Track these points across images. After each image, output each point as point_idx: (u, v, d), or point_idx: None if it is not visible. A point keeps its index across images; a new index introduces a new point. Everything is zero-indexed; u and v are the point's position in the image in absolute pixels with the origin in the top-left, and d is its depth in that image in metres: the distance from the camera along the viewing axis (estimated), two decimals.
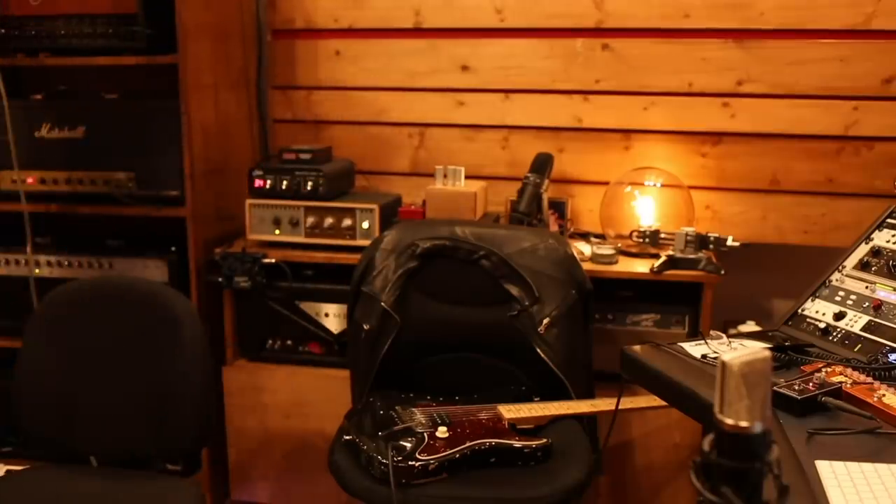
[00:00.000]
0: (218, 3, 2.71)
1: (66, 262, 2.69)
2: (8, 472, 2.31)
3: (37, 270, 2.70)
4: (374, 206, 2.55)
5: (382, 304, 2.26)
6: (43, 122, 2.65)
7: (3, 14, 2.58)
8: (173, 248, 2.63)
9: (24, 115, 2.63)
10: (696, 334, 2.37)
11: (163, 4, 2.49)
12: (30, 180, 2.65)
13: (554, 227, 2.63)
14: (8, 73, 2.57)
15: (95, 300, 2.22)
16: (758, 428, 0.78)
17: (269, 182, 2.60)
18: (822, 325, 1.81)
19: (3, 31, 2.59)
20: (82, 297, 2.23)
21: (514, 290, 2.25)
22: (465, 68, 2.87)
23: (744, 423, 0.78)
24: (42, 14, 2.58)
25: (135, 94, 2.71)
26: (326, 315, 2.60)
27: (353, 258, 2.43)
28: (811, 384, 1.48)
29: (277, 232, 2.61)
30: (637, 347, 1.81)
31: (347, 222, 2.56)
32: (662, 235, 2.55)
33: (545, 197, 2.57)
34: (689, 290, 2.46)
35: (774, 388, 1.46)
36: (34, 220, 2.64)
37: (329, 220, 2.57)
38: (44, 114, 2.65)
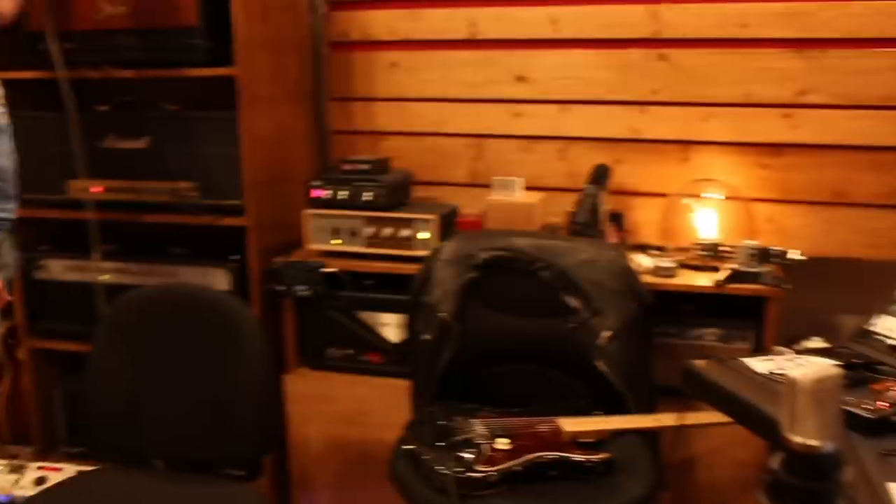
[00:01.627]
0: (275, 16, 2.75)
1: (131, 270, 2.74)
2: (79, 472, 2.37)
3: (103, 277, 2.75)
4: (433, 217, 2.57)
5: (442, 314, 2.27)
6: (108, 133, 2.71)
7: (69, 29, 2.65)
8: (235, 257, 2.67)
9: (91, 127, 2.70)
10: (760, 350, 2.34)
11: (222, 18, 2.53)
12: (96, 189, 2.71)
13: (612, 239, 2.62)
14: (74, 86, 2.64)
15: (160, 308, 2.27)
16: (828, 447, 0.77)
17: (328, 192, 2.63)
18: (891, 342, 1.78)
19: (69, 45, 2.65)
20: (148, 305, 2.28)
21: (574, 302, 2.25)
22: (521, 79, 2.87)
23: (814, 443, 0.77)
24: (106, 28, 2.64)
25: (196, 105, 2.75)
26: (386, 325, 2.62)
27: (412, 268, 2.45)
28: (883, 403, 1.46)
29: (336, 241, 2.63)
30: (700, 362, 1.80)
31: (406, 233, 2.58)
32: (723, 248, 2.52)
33: (603, 208, 2.56)
34: (753, 304, 2.43)
35: (844, 406, 1.44)
36: (100, 228, 2.70)
37: (388, 231, 2.59)
38: (109, 125, 2.72)
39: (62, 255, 2.83)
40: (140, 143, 2.69)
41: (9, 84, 2.73)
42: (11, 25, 2.54)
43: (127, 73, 2.69)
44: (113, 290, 2.70)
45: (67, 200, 2.75)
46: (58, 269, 2.83)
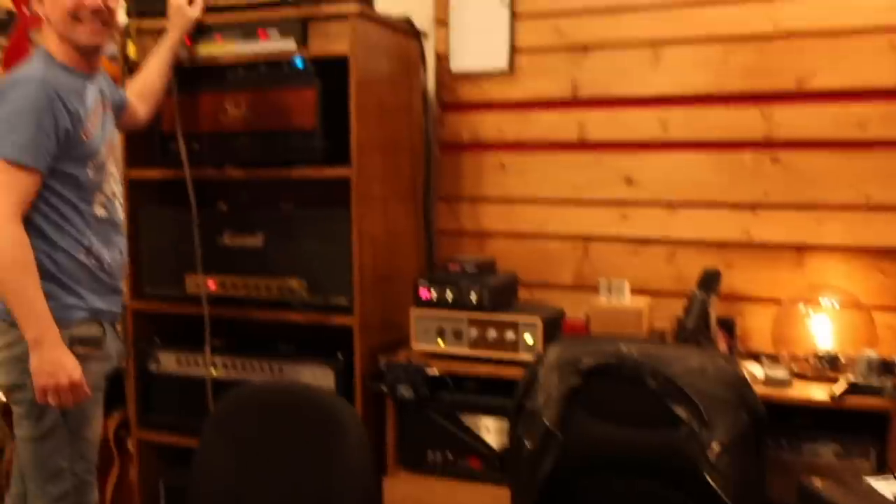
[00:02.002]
0: (390, 119, 2.84)
1: (239, 365, 2.81)
2: None
3: (213, 371, 2.82)
4: (538, 320, 2.55)
5: (545, 421, 2.23)
6: (225, 230, 2.81)
7: (195, 130, 2.79)
8: (340, 355, 2.70)
9: (209, 223, 2.81)
10: (884, 469, 2.20)
11: (339, 120, 2.62)
12: (211, 285, 2.80)
13: (722, 347, 2.55)
14: (197, 184, 2.77)
15: (265, 405, 2.30)
16: None
17: (434, 293, 2.65)
18: None
19: (195, 145, 2.79)
20: (253, 402, 2.32)
21: (682, 412, 2.18)
22: (628, 181, 2.87)
23: None
24: (229, 130, 2.77)
25: (309, 204, 2.84)
26: (488, 429, 2.59)
27: (516, 372, 2.42)
28: None
29: (441, 343, 2.64)
30: (817, 481, 1.71)
31: (510, 335, 2.57)
32: (841, 359, 2.41)
33: (713, 314, 2.50)
34: (874, 419, 2.30)
35: None
36: (212, 323, 2.79)
37: (492, 333, 2.59)
38: (226, 222, 2.82)
39: (175, 348, 2.91)
40: (255, 241, 2.78)
41: (138, 181, 2.91)
42: (146, 128, 2.72)
43: (246, 173, 2.81)
44: (222, 384, 2.76)
45: (183, 295, 2.86)
46: (170, 362, 2.91)
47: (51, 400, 2.14)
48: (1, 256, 2.08)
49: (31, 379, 2.17)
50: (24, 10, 3.42)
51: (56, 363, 2.12)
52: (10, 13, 3.69)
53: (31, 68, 2.20)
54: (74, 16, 2.22)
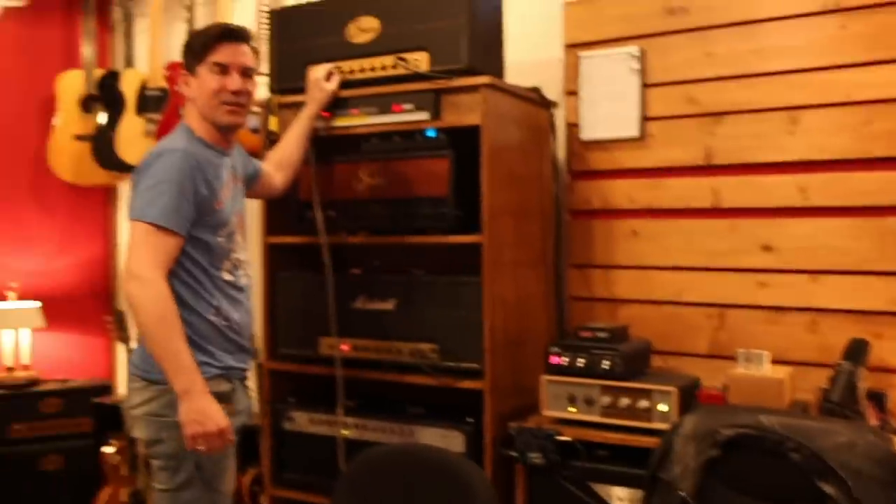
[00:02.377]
0: (520, 186, 2.86)
1: (371, 426, 2.84)
2: None
3: (344, 432, 2.86)
4: (673, 389, 2.49)
5: (681, 493, 2.16)
6: (359, 294, 2.88)
7: (331, 198, 2.89)
8: (470, 419, 2.70)
9: (344, 288, 2.89)
10: None
11: (470, 187, 2.67)
12: (344, 347, 2.87)
13: (873, 421, 2.41)
14: (332, 250, 2.85)
15: (396, 467, 2.32)
16: None
17: (565, 359, 2.63)
18: None
19: (331, 212, 2.89)
20: (384, 463, 2.35)
21: (829, 489, 2.06)
22: (766, 248, 2.79)
23: None
24: (364, 198, 2.86)
25: (441, 269, 2.88)
26: (619, 499, 2.52)
27: (650, 441, 2.36)
28: None
29: (572, 409, 2.60)
30: None
31: (644, 404, 2.51)
32: None
33: (861, 386, 2.38)
34: None
35: None
36: (345, 385, 2.84)
37: (625, 401, 2.53)
38: (360, 287, 2.89)
39: (308, 407, 2.98)
40: (387, 305, 2.84)
41: (276, 246, 3.03)
42: (283, 194, 2.85)
43: (379, 240, 2.88)
44: (353, 444, 2.80)
45: (317, 356, 2.93)
46: (303, 421, 2.98)
47: (200, 446, 2.23)
48: (149, 312, 2.20)
49: (168, 433, 2.28)
50: (176, 88, 3.65)
51: (204, 412, 2.22)
52: (163, 90, 3.95)
53: (174, 141, 2.37)
54: (217, 98, 2.39)
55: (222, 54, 2.39)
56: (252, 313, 2.54)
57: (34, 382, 4.08)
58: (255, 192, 2.73)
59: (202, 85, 2.40)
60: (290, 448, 3.01)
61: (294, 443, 2.99)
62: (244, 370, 2.49)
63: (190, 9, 4.04)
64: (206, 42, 2.41)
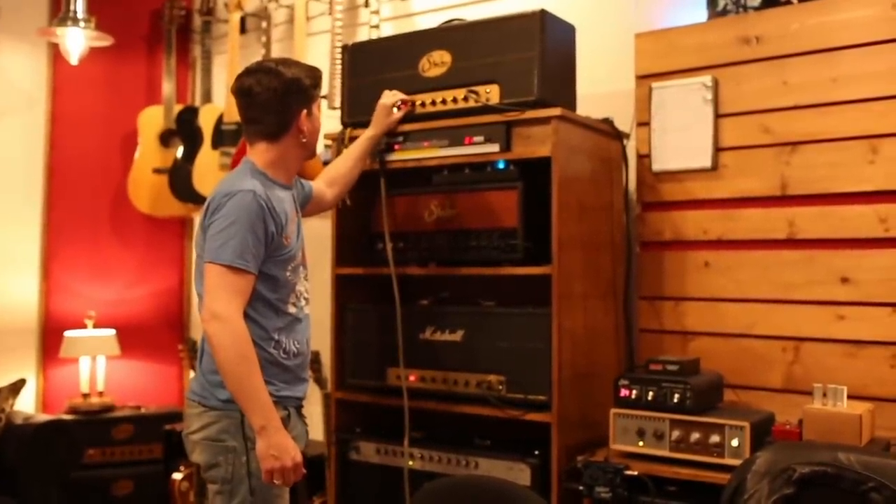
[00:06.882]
0: (590, 218, 2.85)
1: (436, 458, 2.83)
2: None
3: (410, 462, 2.86)
4: (745, 424, 2.42)
5: None
6: (427, 326, 2.89)
7: (402, 230, 2.92)
8: (536, 452, 2.66)
9: (412, 319, 2.90)
10: None
11: (539, 219, 2.66)
12: (412, 378, 2.87)
13: None
14: (401, 281, 2.87)
15: (462, 498, 2.29)
16: None
17: (634, 392, 2.58)
18: None
19: (401, 244, 2.92)
20: (449, 495, 2.32)
21: None
22: (844, 280, 2.71)
23: None
24: (433, 230, 2.88)
25: (509, 300, 2.86)
26: None
27: (721, 477, 2.30)
28: None
29: (641, 443, 2.55)
30: None
31: (715, 438, 2.45)
32: None
33: None
34: None
35: None
36: (412, 416, 2.83)
37: (695, 436, 2.47)
38: (429, 318, 2.90)
39: (374, 438, 2.98)
40: (455, 336, 2.84)
41: (345, 277, 3.06)
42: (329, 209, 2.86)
43: (448, 271, 2.89)
44: (419, 475, 2.79)
45: (384, 386, 2.94)
46: (369, 451, 2.98)
47: (276, 480, 2.26)
48: (229, 351, 2.25)
49: (224, 457, 2.33)
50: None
51: (281, 447, 2.25)
52: (238, 124, 4.05)
53: (242, 180, 2.39)
54: (315, 137, 2.50)
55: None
56: (310, 342, 2.56)
57: (108, 409, 4.19)
58: (306, 212, 2.76)
59: (314, 122, 2.49)
60: (355, 478, 3.02)
61: (359, 473, 3.00)
62: (300, 399, 2.51)
63: (266, 45, 4.15)
64: (318, 80, 2.50)
